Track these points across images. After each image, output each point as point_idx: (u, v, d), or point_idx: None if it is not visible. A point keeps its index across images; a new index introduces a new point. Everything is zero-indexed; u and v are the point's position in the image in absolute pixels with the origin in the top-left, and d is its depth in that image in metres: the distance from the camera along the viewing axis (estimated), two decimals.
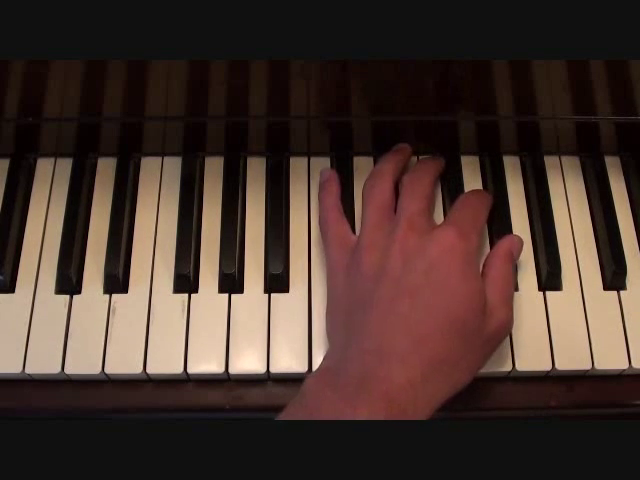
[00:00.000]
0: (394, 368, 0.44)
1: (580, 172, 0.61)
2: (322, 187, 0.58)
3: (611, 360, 0.53)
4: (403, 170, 0.58)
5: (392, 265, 0.49)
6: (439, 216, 0.58)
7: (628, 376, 0.54)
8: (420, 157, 0.61)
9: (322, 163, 0.61)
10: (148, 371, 0.52)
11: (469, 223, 0.52)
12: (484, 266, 0.52)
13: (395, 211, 0.54)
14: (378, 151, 0.60)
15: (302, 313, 0.54)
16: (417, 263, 0.48)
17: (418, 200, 0.53)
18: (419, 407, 0.44)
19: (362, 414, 0.42)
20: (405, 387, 0.44)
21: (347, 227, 0.55)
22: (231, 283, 0.55)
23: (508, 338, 0.53)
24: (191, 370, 0.52)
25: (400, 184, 0.56)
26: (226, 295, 0.55)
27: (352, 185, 0.59)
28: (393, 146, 0.59)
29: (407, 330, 0.46)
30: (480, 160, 0.61)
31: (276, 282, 0.55)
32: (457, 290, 0.47)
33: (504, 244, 0.53)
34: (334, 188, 0.57)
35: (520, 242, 0.55)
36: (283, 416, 0.45)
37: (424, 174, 0.56)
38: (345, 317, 0.49)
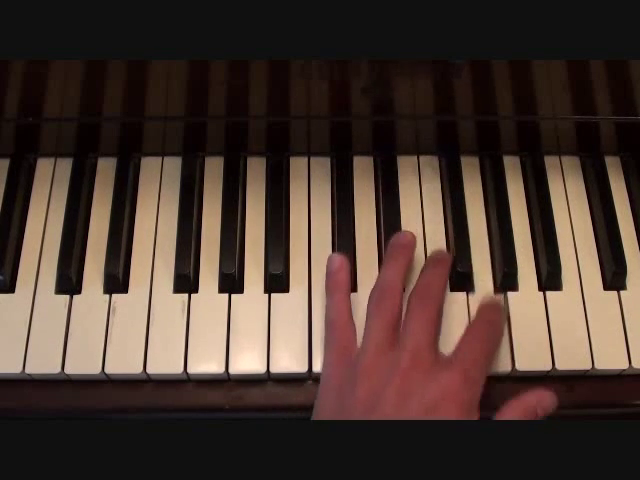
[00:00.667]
0: None
1: (580, 172, 0.61)
2: (331, 278, 0.53)
3: (611, 360, 0.53)
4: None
5: (387, 401, 0.46)
6: (439, 218, 0.58)
7: (628, 376, 0.54)
8: (420, 157, 0.61)
9: (322, 163, 0.61)
10: (148, 371, 0.52)
11: (477, 365, 0.48)
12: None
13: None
14: (378, 151, 0.60)
15: (302, 313, 0.54)
16: (413, 404, 0.45)
17: (426, 327, 0.49)
18: None
19: None
20: None
21: (353, 334, 0.51)
22: (231, 283, 0.55)
23: (508, 338, 0.53)
24: (191, 370, 0.52)
25: (408, 301, 0.52)
26: (226, 295, 0.55)
27: (352, 185, 0.59)
28: (394, 244, 0.54)
29: None
30: (480, 160, 0.61)
31: (276, 282, 0.55)
32: None
33: (529, 400, 0.48)
34: (344, 281, 0.53)
35: (552, 399, 0.49)
36: None
37: (434, 292, 0.52)
38: None
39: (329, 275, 0.54)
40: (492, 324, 0.52)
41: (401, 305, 0.51)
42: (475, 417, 0.47)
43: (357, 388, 0.47)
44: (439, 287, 0.52)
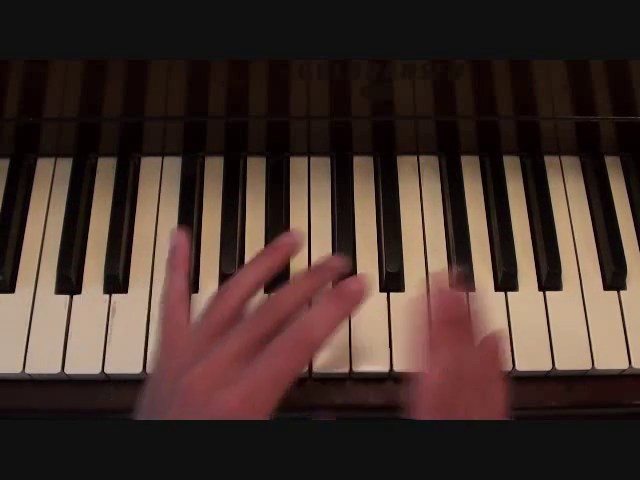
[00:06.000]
0: None
1: (580, 172, 0.61)
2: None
3: (611, 360, 0.53)
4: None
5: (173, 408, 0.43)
6: (439, 218, 0.58)
7: (628, 376, 0.54)
8: (420, 157, 0.61)
9: (322, 163, 0.61)
10: (148, 371, 0.52)
11: (261, 390, 0.42)
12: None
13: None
14: (378, 151, 0.60)
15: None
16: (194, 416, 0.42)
17: (230, 346, 0.43)
18: None
19: None
20: None
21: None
22: None
23: (508, 338, 0.53)
24: None
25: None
26: None
27: (352, 185, 0.59)
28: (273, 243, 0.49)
29: None
30: (480, 160, 0.61)
31: (276, 282, 0.55)
32: None
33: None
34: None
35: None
36: None
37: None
38: None
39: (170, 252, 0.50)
40: (299, 342, 0.43)
41: (233, 309, 0.45)
42: None
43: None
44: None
